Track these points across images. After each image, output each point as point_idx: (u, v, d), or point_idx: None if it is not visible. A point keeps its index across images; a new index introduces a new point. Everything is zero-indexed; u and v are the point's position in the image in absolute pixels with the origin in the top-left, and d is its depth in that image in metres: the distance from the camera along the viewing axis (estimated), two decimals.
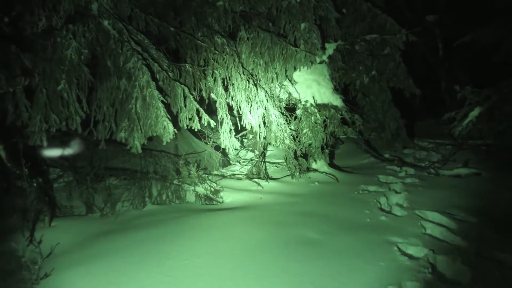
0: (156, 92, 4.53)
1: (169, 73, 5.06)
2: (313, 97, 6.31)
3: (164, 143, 4.72)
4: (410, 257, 3.50)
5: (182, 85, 5.01)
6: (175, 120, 4.87)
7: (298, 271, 3.24)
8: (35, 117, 4.12)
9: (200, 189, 5.66)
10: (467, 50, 6.51)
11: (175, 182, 5.70)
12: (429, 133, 9.90)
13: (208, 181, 5.87)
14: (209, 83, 5.57)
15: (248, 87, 5.49)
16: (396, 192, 5.53)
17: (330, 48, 6.52)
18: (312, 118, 6.12)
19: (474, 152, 7.06)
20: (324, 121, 6.32)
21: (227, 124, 5.45)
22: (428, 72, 12.37)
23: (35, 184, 4.41)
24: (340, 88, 7.29)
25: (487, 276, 3.14)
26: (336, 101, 6.53)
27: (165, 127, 4.53)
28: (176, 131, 4.67)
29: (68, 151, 5.84)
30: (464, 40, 6.07)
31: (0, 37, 4.25)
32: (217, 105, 5.49)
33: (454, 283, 3.12)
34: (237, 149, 5.90)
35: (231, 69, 5.47)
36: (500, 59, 5.75)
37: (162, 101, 4.56)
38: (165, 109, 4.57)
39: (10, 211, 4.44)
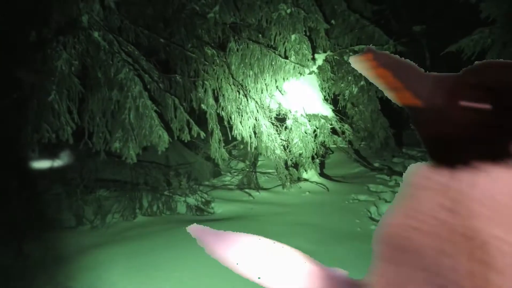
0: (149, 102, 4.54)
1: (160, 84, 5.07)
2: (303, 107, 6.35)
3: (159, 153, 4.72)
4: None
5: (173, 96, 5.02)
6: (168, 129, 4.88)
7: None
8: (26, 128, 4.10)
9: (191, 200, 5.64)
10: (453, 59, 6.60)
11: (166, 193, 5.67)
12: (418, 142, 9.97)
13: (199, 192, 5.85)
14: (200, 94, 5.58)
15: (239, 97, 5.52)
16: (386, 201, 5.55)
17: (320, 58, 6.57)
18: (303, 128, 6.14)
19: None
20: (314, 131, 6.35)
21: (217, 135, 5.47)
22: None
23: (23, 196, 4.37)
24: (330, 98, 7.32)
25: None
26: (326, 111, 6.57)
27: (160, 136, 4.54)
28: (171, 140, 4.67)
29: (58, 163, 5.79)
30: (450, 50, 6.16)
31: None
32: (208, 116, 5.51)
33: None
34: (225, 160, 5.90)
35: (221, 80, 5.50)
36: None
37: (155, 111, 4.57)
38: (159, 119, 4.58)
39: None
